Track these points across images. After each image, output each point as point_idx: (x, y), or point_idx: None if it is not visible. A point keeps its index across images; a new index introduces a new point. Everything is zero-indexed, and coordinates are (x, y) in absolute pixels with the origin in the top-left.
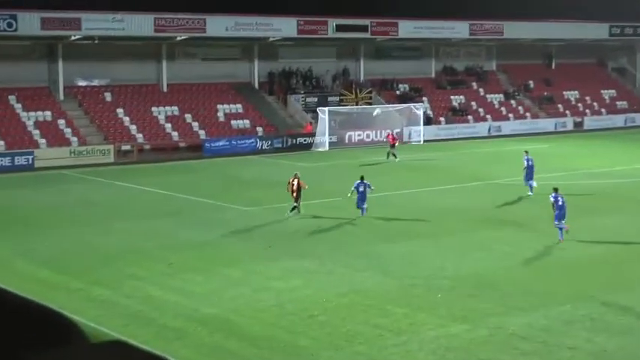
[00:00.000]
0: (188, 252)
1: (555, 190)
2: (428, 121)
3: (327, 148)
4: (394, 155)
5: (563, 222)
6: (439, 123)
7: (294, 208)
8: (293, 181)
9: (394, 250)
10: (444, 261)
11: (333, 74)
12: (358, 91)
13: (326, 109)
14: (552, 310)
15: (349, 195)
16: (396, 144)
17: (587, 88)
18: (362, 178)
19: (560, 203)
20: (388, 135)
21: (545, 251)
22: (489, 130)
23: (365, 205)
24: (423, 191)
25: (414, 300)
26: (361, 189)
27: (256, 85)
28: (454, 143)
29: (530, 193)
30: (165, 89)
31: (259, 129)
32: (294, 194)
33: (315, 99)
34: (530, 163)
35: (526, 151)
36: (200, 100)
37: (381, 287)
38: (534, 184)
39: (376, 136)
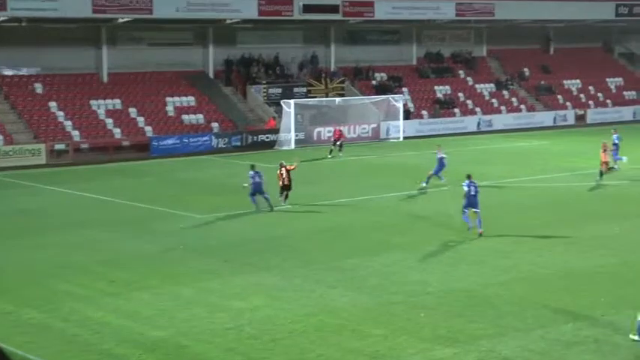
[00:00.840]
0: (133, 267)
1: (468, 177)
2: (408, 115)
3: (292, 146)
4: (340, 149)
5: (468, 211)
6: (421, 117)
7: (285, 196)
8: (281, 171)
9: (370, 263)
10: (427, 275)
11: (300, 62)
12: (328, 81)
13: (291, 101)
14: (551, 331)
15: (245, 185)
16: (342, 141)
17: (591, 77)
18: (252, 167)
19: (472, 193)
20: (336, 131)
21: (545, 263)
22: (479, 124)
23: (266, 196)
24: (401, 195)
25: (393, 320)
26: (257, 179)
27: (211, 75)
28: (438, 140)
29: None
30: (105, 79)
31: (215, 125)
32: (285, 184)
33: (279, 90)
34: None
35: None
36: (146, 91)
37: (355, 305)
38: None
39: (350, 132)
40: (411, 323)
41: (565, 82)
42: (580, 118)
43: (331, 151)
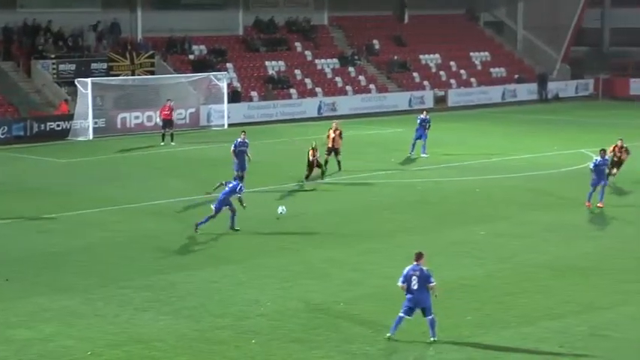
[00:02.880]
0: None
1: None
2: (235, 96)
3: (90, 136)
4: (171, 137)
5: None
6: (250, 99)
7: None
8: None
9: (190, 279)
10: (259, 292)
11: (99, 31)
12: (135, 56)
13: (88, 80)
14: (409, 358)
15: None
16: (173, 118)
17: (453, 51)
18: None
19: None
20: (164, 107)
21: (399, 275)
22: (320, 108)
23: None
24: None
25: (218, 349)
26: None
27: None
28: (271, 127)
29: None
30: None
31: None
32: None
33: (73, 66)
34: None
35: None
36: None
37: (171, 332)
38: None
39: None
40: (240, 352)
41: (422, 56)
42: (440, 101)
43: (163, 136)
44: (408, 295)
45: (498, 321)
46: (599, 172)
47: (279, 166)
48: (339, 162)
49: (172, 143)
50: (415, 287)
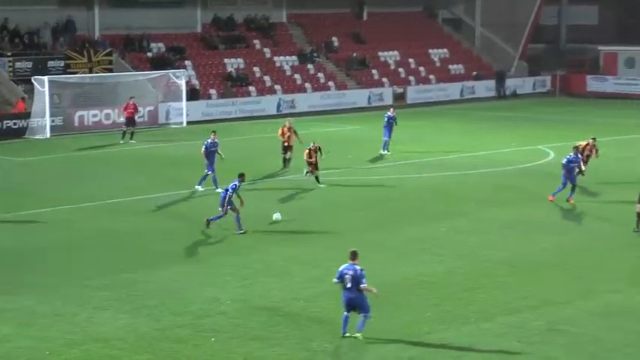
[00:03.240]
0: None
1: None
2: (193, 94)
3: (48, 134)
4: (131, 135)
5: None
6: (209, 97)
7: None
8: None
9: (149, 278)
10: (219, 290)
11: (54, 28)
12: (92, 53)
13: (45, 78)
14: (368, 355)
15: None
16: (135, 117)
17: (411, 48)
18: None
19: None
20: (127, 105)
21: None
22: (279, 106)
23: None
24: (183, 194)
25: (177, 347)
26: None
27: None
28: (230, 125)
29: None
30: None
31: None
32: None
33: (30, 64)
34: None
35: None
36: None
37: (131, 331)
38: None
39: (119, 117)
40: (200, 351)
41: (381, 53)
42: (399, 98)
43: (124, 134)
44: (344, 293)
45: (458, 317)
46: (570, 170)
47: (247, 164)
48: (288, 160)
49: (132, 141)
50: (348, 286)
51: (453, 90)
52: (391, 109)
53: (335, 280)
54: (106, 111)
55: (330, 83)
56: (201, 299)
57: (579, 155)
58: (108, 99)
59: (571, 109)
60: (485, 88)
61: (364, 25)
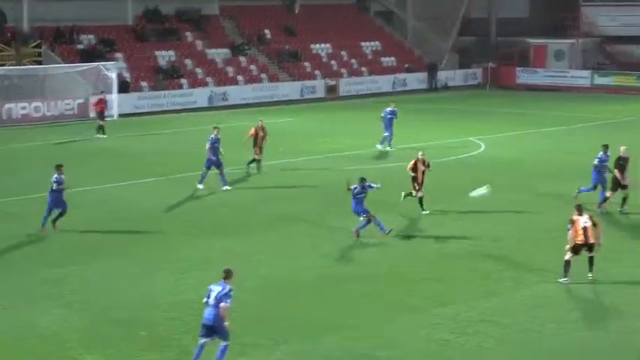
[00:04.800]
0: None
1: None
2: (124, 87)
3: None
4: (98, 129)
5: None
6: (140, 90)
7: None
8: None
9: (83, 273)
10: (152, 285)
11: None
12: (21, 45)
13: None
14: (297, 347)
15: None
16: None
17: (343, 40)
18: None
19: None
20: (98, 101)
21: (292, 267)
22: (211, 98)
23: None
24: (112, 187)
25: (110, 342)
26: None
27: None
28: (162, 118)
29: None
30: None
31: None
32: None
33: None
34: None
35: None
36: None
37: (63, 326)
38: None
39: (49, 110)
40: (131, 345)
41: (313, 46)
42: (331, 90)
43: (100, 128)
44: (204, 312)
45: (393, 308)
46: (601, 169)
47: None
48: (259, 161)
49: (98, 135)
50: (211, 303)
51: (384, 82)
52: (392, 104)
53: (205, 299)
54: (35, 104)
55: (263, 76)
56: (134, 293)
57: (608, 154)
58: (37, 91)
59: (501, 101)
60: (416, 80)
61: (296, 17)
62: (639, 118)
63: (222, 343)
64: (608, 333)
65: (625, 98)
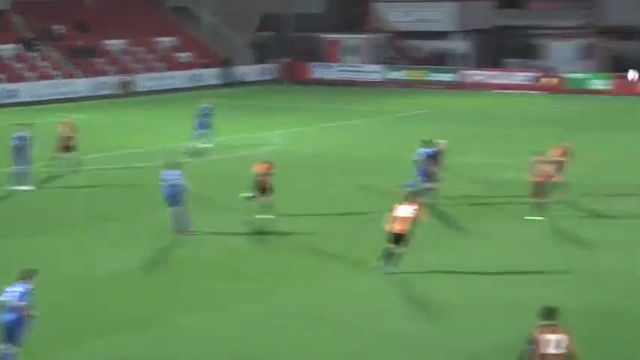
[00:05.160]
0: None
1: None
2: None
3: None
4: None
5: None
6: None
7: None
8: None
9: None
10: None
11: None
12: None
13: None
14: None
15: None
16: None
17: (138, 36)
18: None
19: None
20: None
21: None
22: (1, 95)
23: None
24: None
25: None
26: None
27: None
28: None
29: None
30: None
31: None
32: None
33: None
34: None
35: None
36: None
37: None
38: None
39: None
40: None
41: (107, 42)
42: (126, 86)
43: None
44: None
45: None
46: (422, 164)
47: None
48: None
49: None
50: (10, 305)
51: (181, 78)
52: (206, 100)
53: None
54: None
55: (56, 72)
56: None
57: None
58: None
59: (296, 96)
60: (212, 76)
61: (89, 13)
62: (430, 110)
63: (11, 347)
64: (429, 323)
65: (416, 91)
